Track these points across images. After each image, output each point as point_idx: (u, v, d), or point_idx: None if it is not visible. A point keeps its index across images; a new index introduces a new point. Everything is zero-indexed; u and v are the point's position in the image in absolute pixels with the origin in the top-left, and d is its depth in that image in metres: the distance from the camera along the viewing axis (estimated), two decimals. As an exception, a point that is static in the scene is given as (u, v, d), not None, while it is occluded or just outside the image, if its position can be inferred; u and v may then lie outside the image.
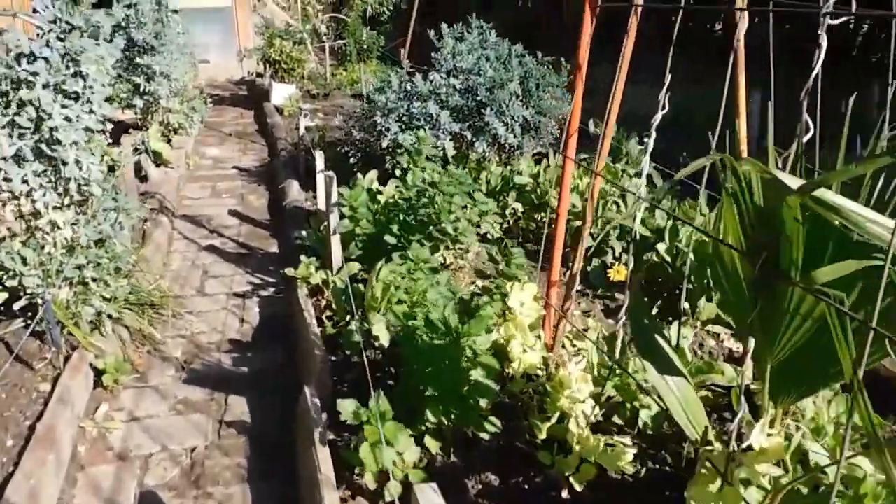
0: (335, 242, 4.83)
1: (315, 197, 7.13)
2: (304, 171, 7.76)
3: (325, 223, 5.00)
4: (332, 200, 4.72)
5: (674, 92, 2.72)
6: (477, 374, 3.10)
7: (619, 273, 4.70)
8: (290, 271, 4.80)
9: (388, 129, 6.42)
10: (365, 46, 14.12)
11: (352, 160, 6.85)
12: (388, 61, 13.80)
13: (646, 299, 4.75)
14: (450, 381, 3.08)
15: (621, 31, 3.10)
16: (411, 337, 3.26)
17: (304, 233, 5.63)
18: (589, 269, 5.23)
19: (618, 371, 3.26)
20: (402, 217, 4.81)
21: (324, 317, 4.57)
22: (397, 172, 6.60)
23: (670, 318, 4.58)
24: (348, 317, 4.46)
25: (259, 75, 14.45)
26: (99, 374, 3.97)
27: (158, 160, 7.80)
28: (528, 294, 3.70)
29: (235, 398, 3.99)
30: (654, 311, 4.67)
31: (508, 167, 6.80)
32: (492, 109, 6.37)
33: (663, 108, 2.73)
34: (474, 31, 6.81)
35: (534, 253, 5.59)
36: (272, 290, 5.35)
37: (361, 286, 4.50)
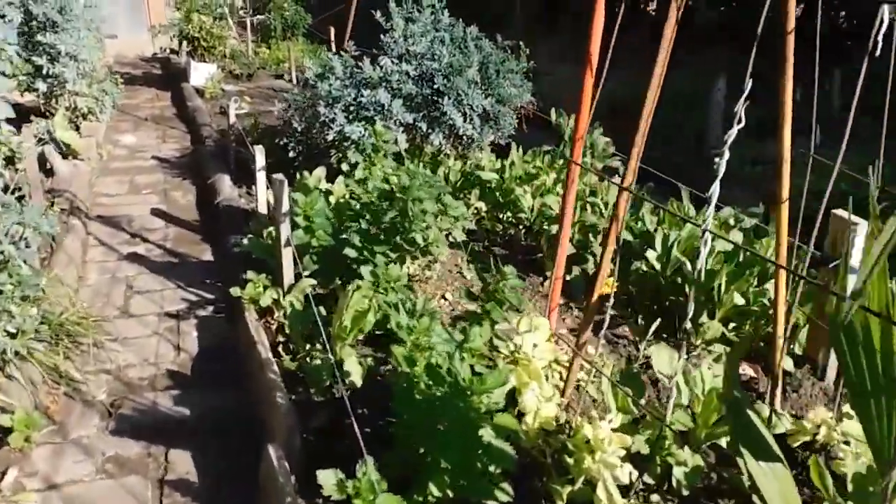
0: (287, 256, 4.18)
1: (251, 193, 6.41)
2: (235, 164, 7.00)
3: (273, 231, 4.34)
4: (283, 208, 4.06)
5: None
6: (490, 436, 2.56)
7: (607, 285, 4.22)
8: (235, 291, 4.12)
9: (333, 121, 5.75)
10: (290, 22, 13.23)
11: (291, 153, 6.15)
12: (317, 39, 12.97)
13: (640, 319, 4.30)
14: (459, 447, 2.52)
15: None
16: (408, 388, 2.69)
17: (244, 240, 4.93)
18: (568, 277, 4.74)
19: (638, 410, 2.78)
20: (362, 225, 4.19)
21: (278, 346, 3.93)
22: (344, 167, 5.97)
23: (665, 336, 4.15)
24: (308, 346, 3.84)
25: (173, 52, 13.37)
26: (5, 432, 3.23)
27: (66, 151, 6.88)
28: (541, 334, 3.17)
29: (178, 453, 3.33)
30: (645, 326, 4.22)
31: (467, 161, 6.24)
32: (449, 98, 5.79)
33: (739, 121, 2.22)
34: (426, 10, 6.19)
35: (503, 259, 5.07)
36: (211, 308, 4.66)
37: (321, 308, 3.89)
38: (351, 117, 5.81)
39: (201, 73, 10.54)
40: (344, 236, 4.25)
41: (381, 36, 6.10)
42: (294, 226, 4.19)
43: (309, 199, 4.17)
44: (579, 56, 3.14)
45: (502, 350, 3.21)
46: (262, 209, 5.32)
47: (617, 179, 5.08)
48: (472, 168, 5.94)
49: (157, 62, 13.85)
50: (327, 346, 3.47)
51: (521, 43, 6.42)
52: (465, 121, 5.91)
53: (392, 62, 5.89)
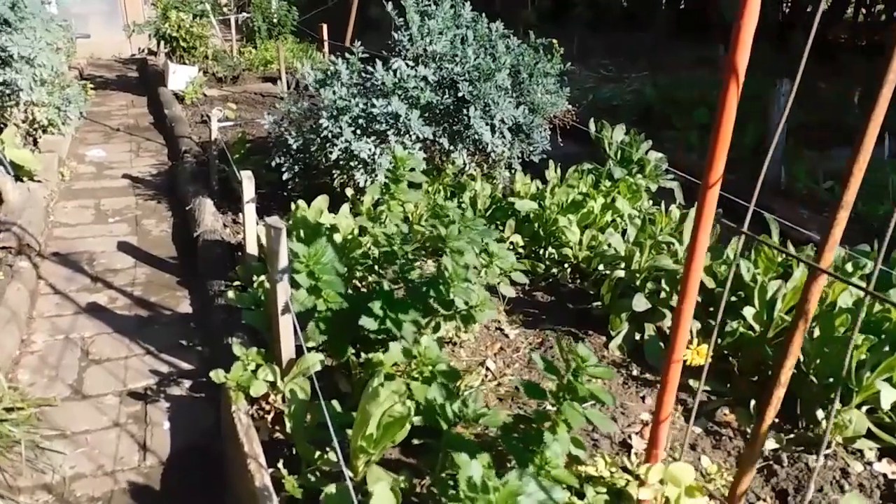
0: (286, 326, 3.19)
1: (237, 221, 5.40)
2: (218, 185, 5.98)
3: (267, 285, 3.36)
4: (280, 263, 3.07)
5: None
6: None
7: (698, 354, 3.23)
8: (218, 376, 3.11)
9: (338, 136, 4.75)
10: (276, 20, 12.19)
11: (286, 174, 5.14)
12: (307, 38, 11.94)
13: (741, 398, 3.33)
14: None
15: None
16: None
17: (230, 292, 3.93)
18: (638, 336, 3.77)
19: None
20: (384, 285, 3.20)
21: (277, 444, 2.93)
22: (349, 192, 4.97)
23: (786, 426, 3.19)
24: (317, 452, 2.85)
25: (151, 53, 12.31)
26: None
27: (19, 173, 5.84)
28: (684, 472, 2.19)
29: None
30: (753, 412, 3.26)
31: (495, 183, 5.25)
32: (476, 108, 4.80)
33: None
34: (444, 2, 5.19)
35: (550, 308, 4.10)
36: (188, 384, 3.65)
37: (334, 403, 2.91)
38: (359, 131, 4.81)
39: (180, 77, 9.50)
40: (356, 287, 3.27)
41: (393, 34, 5.10)
42: (294, 284, 3.18)
43: (314, 251, 3.17)
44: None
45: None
46: (251, 248, 4.31)
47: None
48: (504, 191, 4.96)
49: (134, 64, 12.78)
50: (343, 458, 2.48)
51: (554, 40, 5.43)
52: (493, 134, 4.92)
53: (407, 65, 4.89)
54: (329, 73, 5.07)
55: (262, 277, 3.99)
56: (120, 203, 6.13)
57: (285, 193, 5.46)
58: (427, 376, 2.89)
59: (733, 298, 3.64)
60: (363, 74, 5.06)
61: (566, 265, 4.58)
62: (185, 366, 3.78)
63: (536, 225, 4.64)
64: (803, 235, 4.59)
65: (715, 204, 2.20)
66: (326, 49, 10.33)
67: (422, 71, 4.85)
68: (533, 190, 4.97)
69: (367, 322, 3.10)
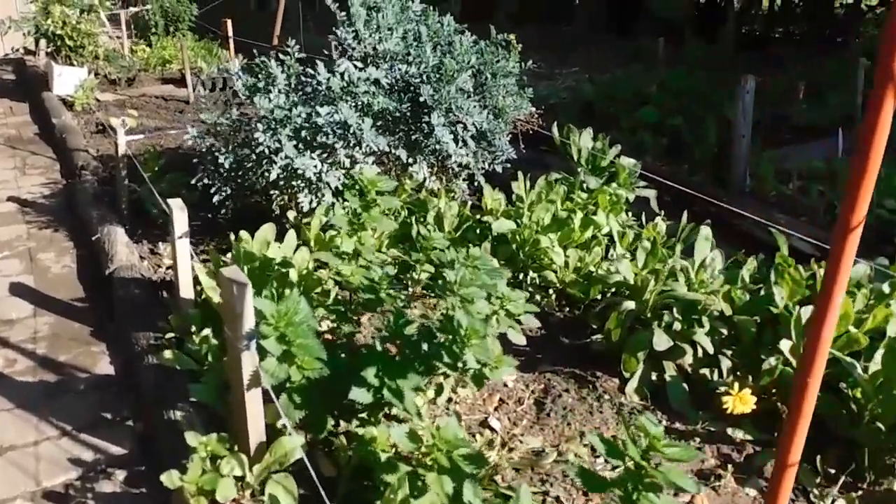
0: (254, 404, 2.52)
1: (155, 252, 4.62)
2: (128, 208, 5.14)
3: (230, 358, 2.70)
4: (245, 325, 2.40)
5: None
6: None
7: (742, 401, 2.75)
8: (172, 479, 2.40)
9: (277, 151, 4.04)
10: (173, 15, 11.16)
11: (216, 197, 4.38)
12: (208, 35, 10.97)
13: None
14: None
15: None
16: None
17: (166, 353, 3.19)
18: (656, 377, 3.29)
19: None
20: (376, 345, 2.58)
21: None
22: (291, 215, 4.29)
23: (835, 473, 2.78)
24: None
25: (29, 52, 11.03)
26: None
27: None
28: None
29: None
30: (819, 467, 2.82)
31: (456, 198, 4.67)
32: (438, 114, 4.20)
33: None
34: (390, -6, 4.55)
35: (543, 343, 3.57)
36: (122, 475, 2.89)
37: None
38: (302, 145, 4.12)
39: (68, 80, 8.42)
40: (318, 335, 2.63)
41: (335, 30, 4.43)
42: (260, 349, 2.51)
43: (284, 308, 2.49)
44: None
45: None
46: (186, 291, 3.57)
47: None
48: (469, 208, 4.38)
49: (9, 65, 11.44)
50: None
51: (511, 36, 4.89)
52: (457, 143, 4.34)
53: (355, 66, 4.24)
54: (263, 77, 4.34)
55: (206, 332, 3.27)
56: (8, 233, 5.17)
57: (215, 217, 4.70)
58: (445, 465, 2.29)
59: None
60: (303, 78, 4.36)
61: (551, 290, 4.06)
62: (115, 449, 3.02)
63: (514, 246, 4.09)
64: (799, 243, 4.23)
65: (854, 253, 1.70)
66: (232, 47, 9.46)
67: (373, 73, 4.21)
68: (502, 205, 4.42)
69: (359, 394, 2.48)
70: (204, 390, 2.79)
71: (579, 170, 4.71)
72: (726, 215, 4.64)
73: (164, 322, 3.66)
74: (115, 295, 4.06)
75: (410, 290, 3.61)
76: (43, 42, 9.23)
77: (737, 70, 7.92)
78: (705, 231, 3.67)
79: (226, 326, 2.52)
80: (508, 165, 4.73)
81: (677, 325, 3.31)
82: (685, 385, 3.22)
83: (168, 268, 4.50)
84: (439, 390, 2.69)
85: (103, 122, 6.70)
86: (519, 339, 2.92)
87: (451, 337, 2.48)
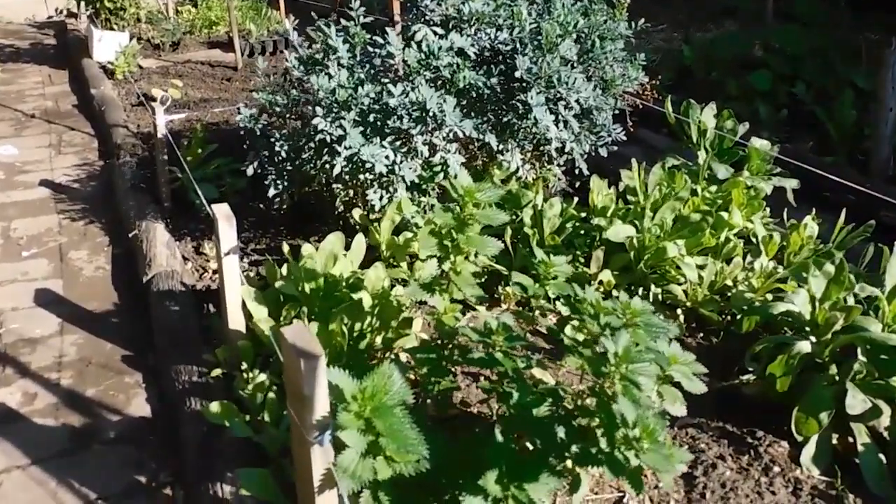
0: (328, 510, 1.84)
1: (200, 252, 3.98)
2: (169, 198, 4.49)
3: (299, 452, 2.03)
4: (317, 410, 1.71)
5: None
6: None
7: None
8: None
9: (339, 140, 3.32)
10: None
11: (271, 190, 3.69)
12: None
13: None
14: None
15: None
16: None
17: (213, 406, 2.52)
18: (837, 440, 2.52)
19: None
20: (498, 436, 1.86)
21: None
22: (356, 214, 3.60)
23: None
24: None
25: (71, 14, 10.46)
26: None
27: None
28: None
29: None
30: None
31: (552, 188, 3.91)
32: (538, 91, 3.42)
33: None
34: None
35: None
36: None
37: None
38: (370, 131, 3.39)
39: (108, 45, 7.80)
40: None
41: (410, -11, 3.65)
42: (336, 441, 1.80)
43: (371, 385, 1.78)
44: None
45: None
46: (235, 320, 2.90)
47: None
48: (578, 210, 3.61)
49: (51, 28, 10.89)
50: None
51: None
52: (558, 125, 3.56)
53: (434, 33, 3.47)
54: (322, 48, 3.60)
55: (261, 377, 2.60)
56: (38, 225, 4.58)
57: (269, 209, 4.03)
58: None
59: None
60: (370, 49, 3.61)
61: (678, 310, 3.29)
62: (149, 530, 2.39)
63: (632, 255, 3.32)
64: None
65: None
66: (283, 7, 8.71)
67: (457, 41, 3.43)
68: (613, 201, 3.63)
69: (475, 506, 1.77)
70: (259, 482, 2.11)
71: (700, 154, 3.88)
72: (870, 208, 3.78)
73: (208, 350, 3.01)
74: (153, 311, 3.43)
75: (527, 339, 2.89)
76: (82, 4, 8.61)
77: (860, 30, 6.89)
78: (901, 248, 2.84)
79: (289, 404, 1.83)
80: (616, 148, 3.93)
81: (868, 376, 2.52)
82: (882, 457, 2.44)
83: (215, 272, 3.85)
84: (575, 485, 1.99)
85: (143, 92, 6.04)
86: (680, 411, 2.18)
87: (604, 427, 1.75)
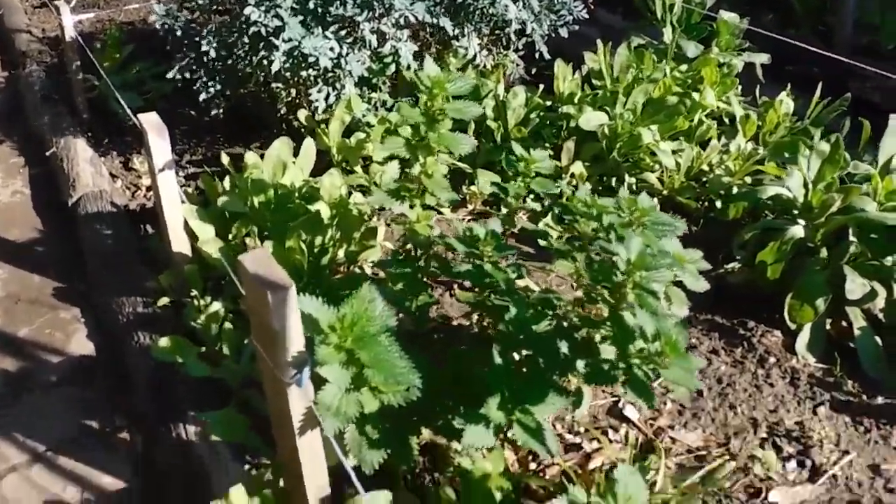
0: (309, 453, 1.64)
1: (130, 167, 3.62)
2: (87, 108, 4.04)
3: (273, 393, 1.81)
4: (291, 347, 1.48)
5: None
6: None
7: None
8: None
9: (277, 31, 2.95)
10: None
11: (202, 95, 3.31)
12: None
13: None
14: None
15: None
16: None
17: (162, 341, 2.26)
18: (831, 325, 2.43)
19: None
20: (496, 358, 1.66)
21: None
22: (301, 116, 3.28)
23: None
24: None
25: None
26: None
27: None
28: None
29: None
30: None
31: (510, 76, 3.62)
32: (494, -33, 3.08)
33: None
34: None
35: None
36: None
37: None
38: (311, 20, 3.03)
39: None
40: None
41: None
42: (316, 378, 1.58)
43: (351, 312, 1.55)
44: None
45: None
46: (178, 242, 2.60)
47: None
48: (543, 98, 3.34)
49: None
50: None
51: None
52: (516, 3, 3.24)
53: None
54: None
55: (215, 306, 2.35)
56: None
57: (200, 115, 3.65)
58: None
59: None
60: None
61: (654, 199, 3.11)
62: (109, 482, 2.16)
63: (605, 144, 3.10)
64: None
65: None
66: None
67: None
68: (577, 87, 3.37)
69: (476, 438, 1.59)
70: (227, 424, 1.88)
71: (665, 31, 3.62)
72: (838, 81, 3.61)
73: (150, 277, 2.73)
74: (83, 237, 3.09)
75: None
76: None
77: None
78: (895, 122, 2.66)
79: (256, 342, 1.59)
80: (577, 28, 3.64)
81: (861, 257, 2.41)
82: (877, 339, 2.36)
83: (148, 189, 3.50)
84: (578, 399, 1.83)
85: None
86: (683, 312, 2.01)
87: (616, 342, 1.56)
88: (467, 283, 2.17)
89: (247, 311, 1.61)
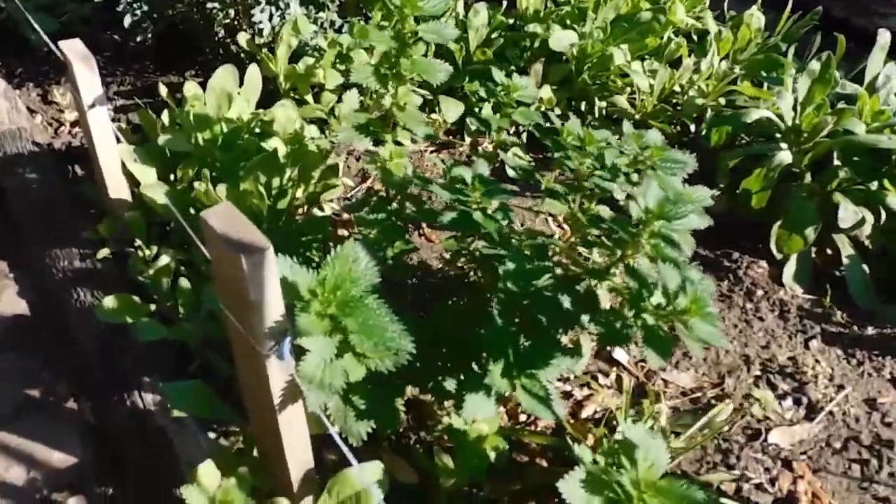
0: (292, 427, 1.48)
1: (49, 100, 3.28)
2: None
3: (246, 364, 1.63)
4: (268, 315, 1.30)
5: None
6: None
7: None
8: None
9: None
10: None
11: (127, 19, 2.96)
12: None
13: None
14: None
15: None
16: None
17: (107, 301, 2.02)
18: (816, 252, 2.36)
19: None
20: (497, 318, 1.49)
21: None
22: (241, 40, 2.99)
23: None
24: None
25: None
26: None
27: None
28: None
29: None
30: None
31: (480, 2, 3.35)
32: None
33: None
34: None
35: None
36: (77, 507, 1.87)
37: None
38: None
39: None
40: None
41: None
42: (297, 349, 1.40)
43: (333, 275, 1.36)
44: None
45: None
46: (114, 186, 2.33)
47: None
48: (505, 15, 3.10)
49: None
50: None
51: None
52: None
53: None
54: None
55: (163, 259, 2.12)
56: None
57: (126, 40, 3.29)
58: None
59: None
60: None
61: (625, 123, 2.95)
62: (60, 458, 1.96)
63: (573, 66, 2.91)
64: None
65: None
66: None
67: None
68: (541, 3, 3.14)
69: (478, 408, 1.46)
70: (193, 397, 1.68)
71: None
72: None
73: (85, 225, 2.45)
74: (3, 184, 2.77)
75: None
76: None
77: None
78: (884, 38, 2.53)
79: (226, 309, 1.39)
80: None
81: (848, 182, 2.32)
82: (865, 267, 2.29)
83: (74, 124, 3.16)
84: (577, 353, 1.70)
85: None
86: (688, 254, 1.87)
87: (630, 298, 1.42)
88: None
89: (212, 275, 1.40)
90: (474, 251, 1.74)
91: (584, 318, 1.52)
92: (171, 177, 2.37)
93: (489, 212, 1.64)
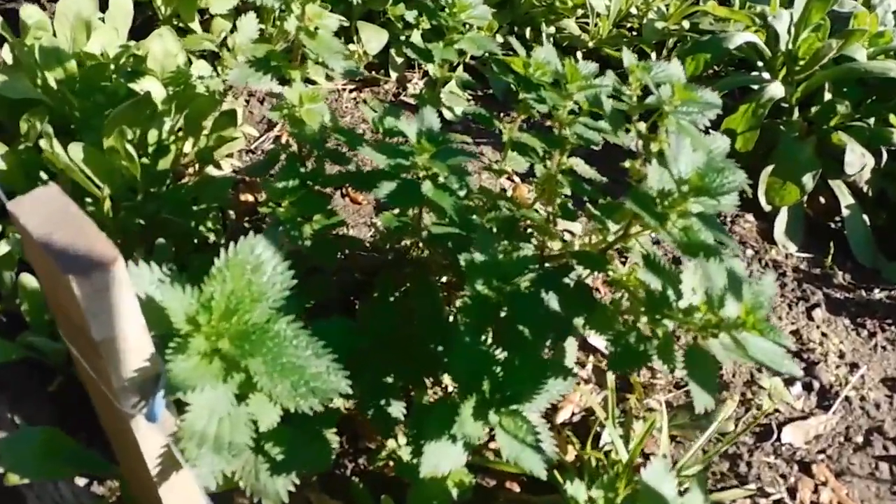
0: (175, 494, 1.04)
1: None
2: None
3: (119, 435, 1.15)
4: (125, 360, 0.83)
5: None
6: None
7: None
8: None
9: None
10: None
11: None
12: None
13: None
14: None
15: None
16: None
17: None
18: (808, 202, 2.03)
19: None
20: (464, 335, 1.08)
21: None
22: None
23: None
24: None
25: None
26: None
27: None
28: None
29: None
30: None
31: None
32: None
33: None
34: None
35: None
36: None
37: None
38: None
39: None
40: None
41: None
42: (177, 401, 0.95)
43: (221, 291, 0.91)
44: None
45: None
46: None
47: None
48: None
49: None
50: None
51: None
52: None
53: None
54: None
55: (3, 246, 1.60)
56: None
57: None
58: None
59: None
60: None
61: (578, 52, 2.53)
62: None
63: (516, -18, 2.44)
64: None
65: None
66: None
67: None
68: None
69: (439, 457, 1.04)
70: (30, 452, 1.19)
71: None
72: None
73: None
74: None
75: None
76: None
77: None
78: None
79: (66, 340, 0.93)
80: None
81: (844, 119, 1.98)
82: (865, 217, 1.98)
83: None
84: (560, 360, 1.30)
85: None
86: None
87: (651, 303, 1.02)
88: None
89: (52, 306, 0.92)
90: (422, 229, 1.31)
91: (579, 321, 1.12)
92: (12, 134, 1.82)
93: (441, 181, 1.20)
